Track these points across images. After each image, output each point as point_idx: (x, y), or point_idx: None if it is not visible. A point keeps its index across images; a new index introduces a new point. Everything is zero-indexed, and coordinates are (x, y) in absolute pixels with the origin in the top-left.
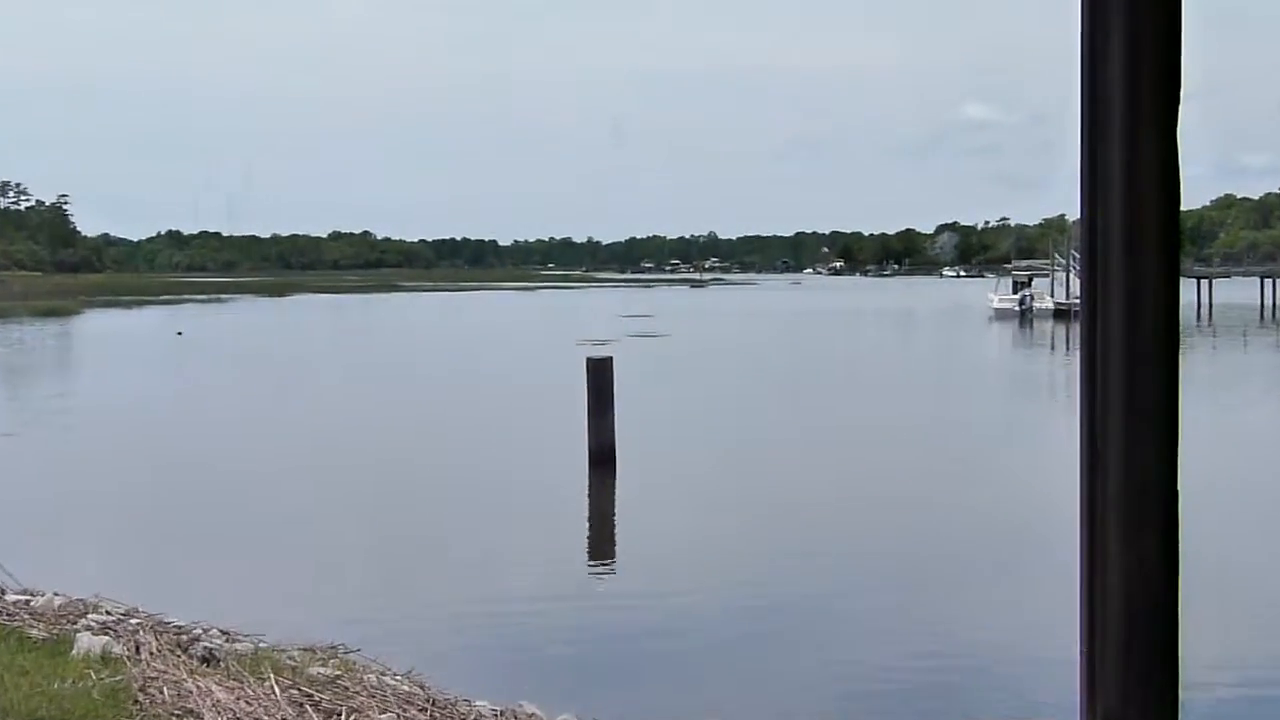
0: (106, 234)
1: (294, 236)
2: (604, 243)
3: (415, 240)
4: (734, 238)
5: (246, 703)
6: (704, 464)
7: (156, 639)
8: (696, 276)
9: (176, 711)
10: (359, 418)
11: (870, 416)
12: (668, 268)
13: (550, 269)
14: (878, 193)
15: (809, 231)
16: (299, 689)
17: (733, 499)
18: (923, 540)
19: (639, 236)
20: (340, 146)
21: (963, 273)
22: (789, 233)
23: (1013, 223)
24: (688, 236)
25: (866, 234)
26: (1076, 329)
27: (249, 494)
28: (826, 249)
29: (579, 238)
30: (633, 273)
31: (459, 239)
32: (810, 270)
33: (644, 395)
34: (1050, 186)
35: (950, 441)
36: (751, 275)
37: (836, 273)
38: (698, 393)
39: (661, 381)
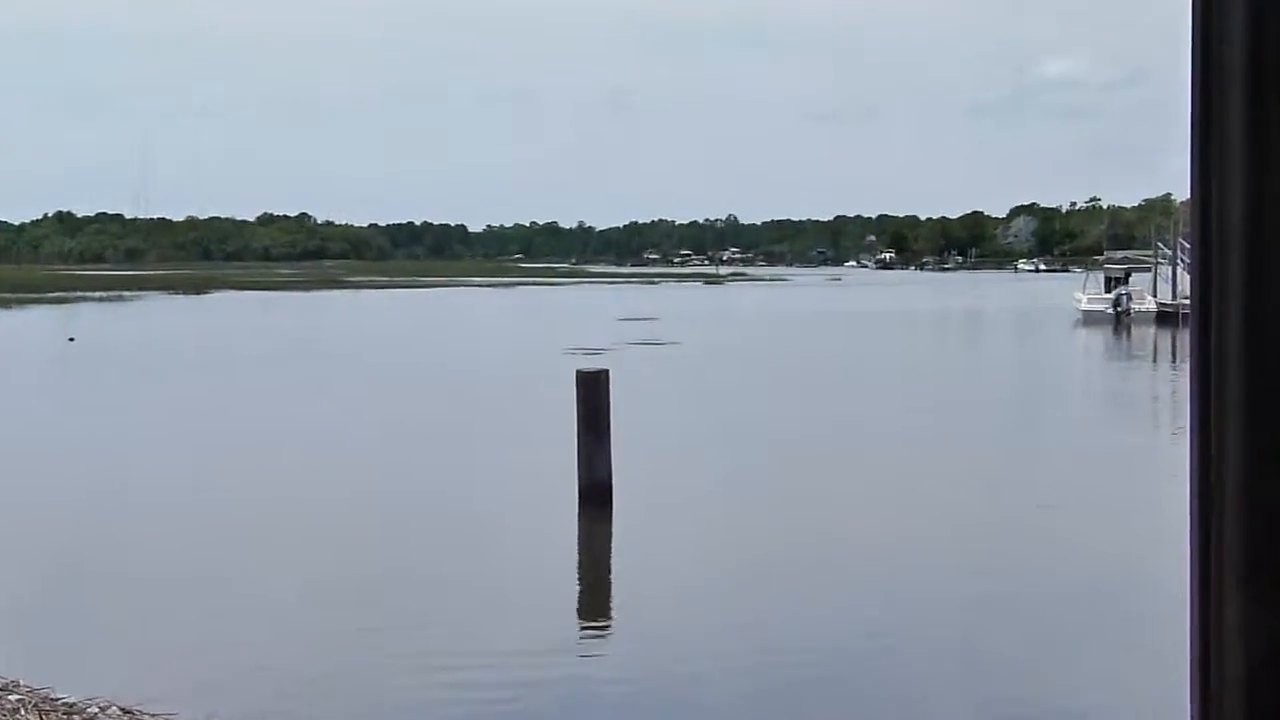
0: None
1: (215, 220)
2: (598, 229)
3: (364, 225)
4: (758, 223)
5: None
6: (718, 504)
7: None
8: (712, 270)
9: None
10: (295, 443)
11: (924, 451)
12: (676, 260)
13: (532, 260)
14: (937, 168)
15: (851, 215)
16: None
17: (755, 549)
18: (993, 604)
19: (641, 221)
20: (272, 111)
21: (1042, 266)
22: (827, 216)
23: (1105, 204)
24: (701, 221)
25: (923, 218)
26: (1186, 337)
27: (165, 535)
28: (873, 237)
29: (567, 222)
30: (633, 266)
31: (419, 223)
32: (853, 263)
33: (647, 417)
34: (1153, 160)
35: (1023, 482)
36: (780, 269)
37: (886, 266)
38: (712, 415)
39: (668, 401)
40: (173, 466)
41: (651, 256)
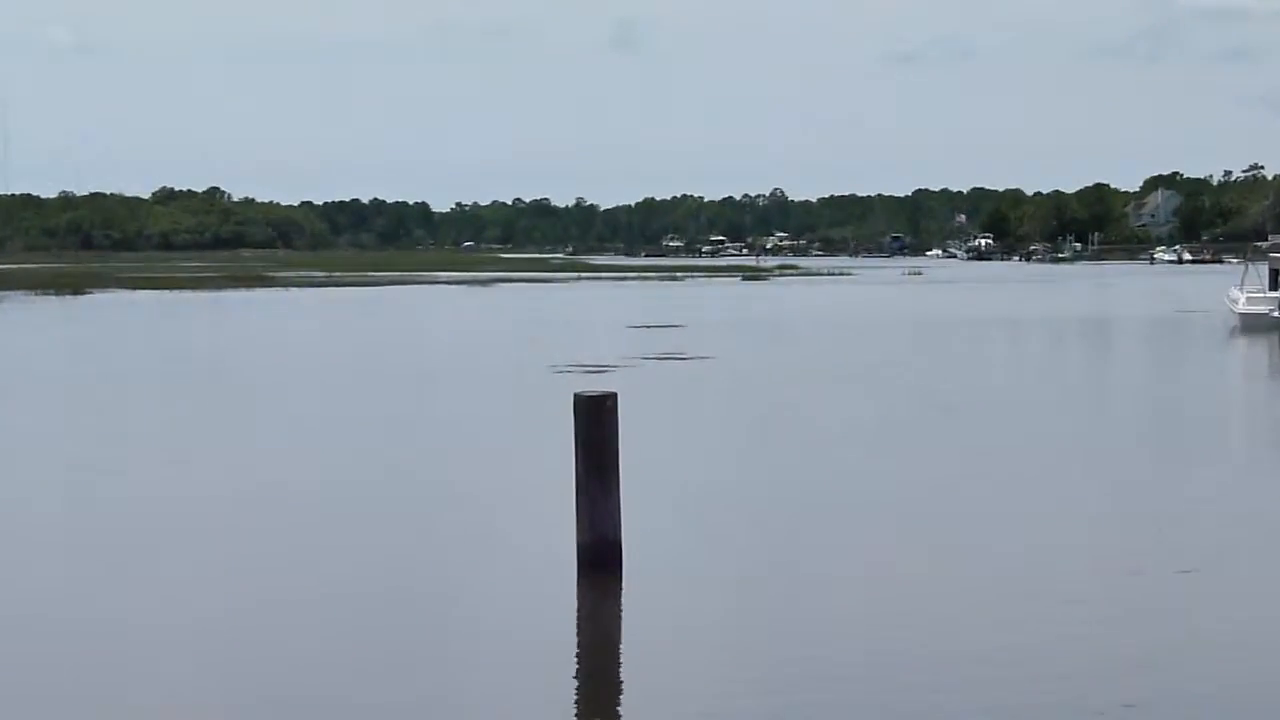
0: None
1: (98, 198)
2: (602, 207)
3: (295, 204)
4: (813, 200)
5: None
6: (760, 572)
7: None
8: (753, 261)
9: None
10: (221, 485)
11: (1027, 494)
12: (705, 248)
13: (516, 249)
14: (1050, 127)
15: (936, 190)
16: None
17: (806, 632)
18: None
19: (659, 198)
20: (171, 53)
21: (1186, 255)
22: (904, 191)
23: (1270, 174)
24: (739, 199)
25: (1030, 193)
26: None
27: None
28: (964, 217)
29: (561, 199)
30: (649, 256)
31: (366, 201)
32: (937, 252)
33: (666, 455)
34: None
35: (1163, 549)
36: (842, 261)
37: (981, 255)
38: (752, 454)
39: (694, 434)
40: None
41: (673, 244)
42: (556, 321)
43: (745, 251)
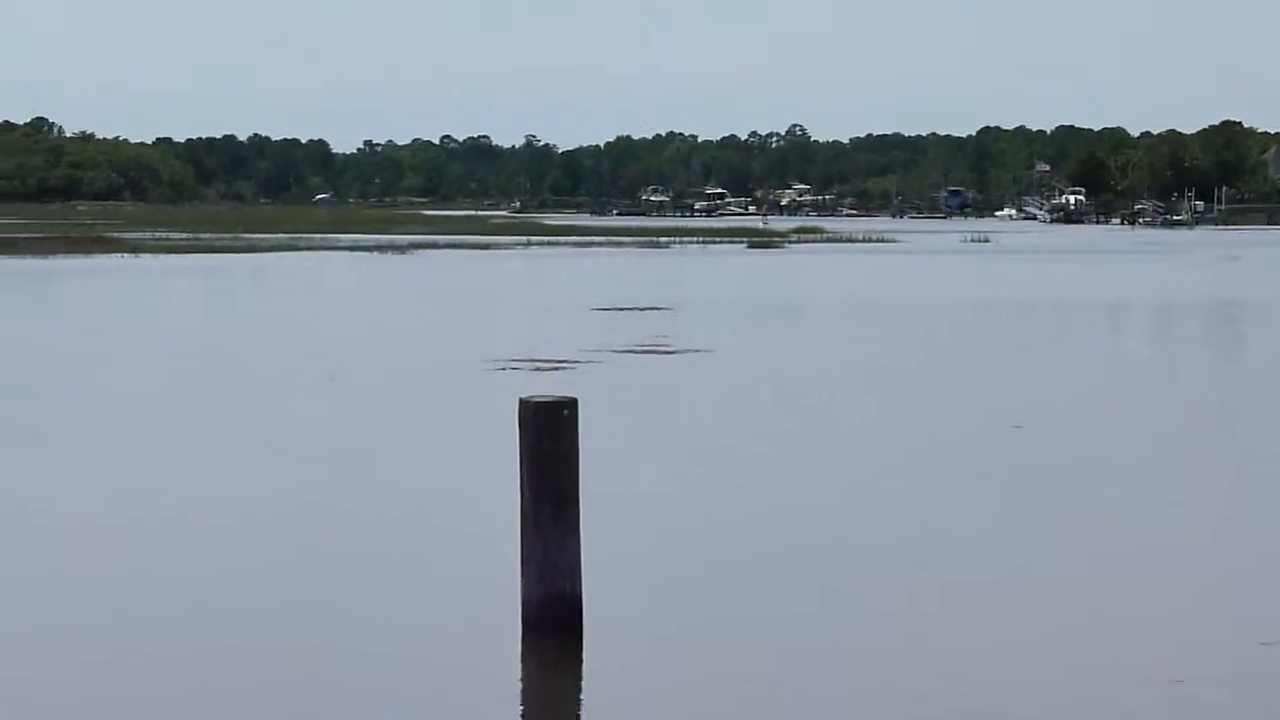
0: None
1: None
2: (560, 149)
3: (148, 142)
4: (844, 140)
5: None
6: (759, 638)
7: None
8: (760, 222)
9: None
10: (61, 527)
11: (1123, 541)
12: (700, 206)
13: (443, 203)
14: (1161, 47)
15: (1008, 128)
16: None
17: (827, 709)
18: None
19: (639, 137)
20: None
21: None
22: (966, 130)
23: None
24: (744, 138)
25: (1135, 134)
26: None
27: None
28: (1045, 165)
29: (505, 138)
30: (624, 214)
31: (244, 139)
32: (1011, 211)
33: (642, 481)
34: None
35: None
36: (883, 223)
37: (1068, 216)
38: (755, 479)
39: (678, 454)
40: None
41: (655, 199)
42: (498, 301)
43: (753, 210)
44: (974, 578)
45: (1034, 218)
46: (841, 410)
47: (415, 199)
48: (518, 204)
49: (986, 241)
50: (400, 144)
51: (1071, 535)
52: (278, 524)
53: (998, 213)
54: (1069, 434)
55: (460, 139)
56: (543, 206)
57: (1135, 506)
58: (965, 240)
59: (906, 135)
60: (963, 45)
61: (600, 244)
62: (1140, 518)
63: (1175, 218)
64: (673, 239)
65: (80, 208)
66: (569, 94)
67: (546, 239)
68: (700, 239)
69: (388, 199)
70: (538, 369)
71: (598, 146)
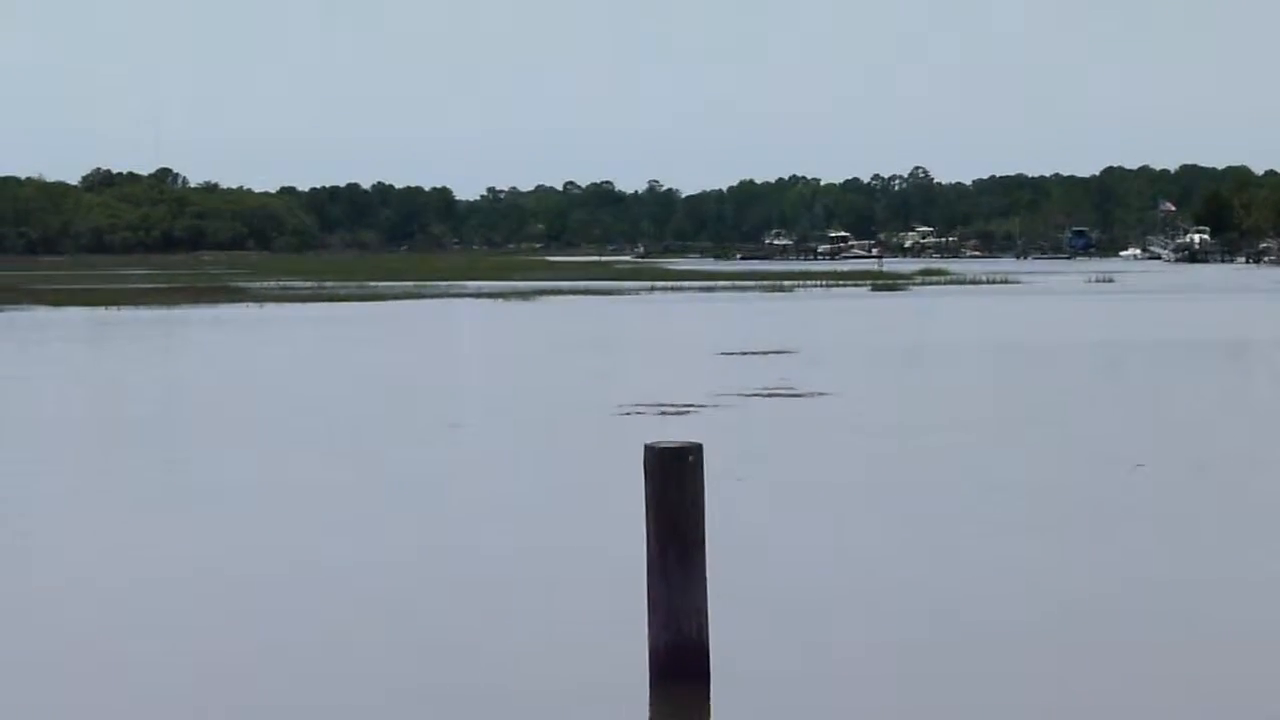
0: None
1: (8, 183)
2: (683, 193)
3: (273, 191)
4: (967, 183)
5: None
6: (890, 692)
7: None
8: (876, 265)
9: None
10: (181, 565)
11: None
12: (823, 249)
13: (567, 249)
14: None
15: (1132, 168)
16: None
17: None
18: None
19: (762, 181)
20: None
21: None
22: (1088, 170)
23: None
24: (866, 181)
25: (1260, 172)
26: None
27: None
28: (1170, 205)
29: (628, 183)
30: (747, 258)
31: (367, 187)
32: (1135, 251)
33: (768, 526)
34: None
35: None
36: (1007, 264)
37: (1193, 255)
38: (883, 523)
39: (805, 498)
40: None
41: (778, 243)
42: (623, 346)
43: (876, 252)
44: (1113, 636)
45: (1158, 257)
46: (966, 453)
47: (538, 245)
48: (641, 249)
49: (1111, 282)
50: (523, 190)
51: (1226, 587)
52: (410, 569)
53: (1122, 253)
54: (1202, 477)
55: (583, 185)
56: (666, 251)
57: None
58: (1089, 281)
59: (1029, 176)
60: (1084, 85)
61: (723, 288)
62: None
63: None
64: (796, 282)
65: (205, 258)
66: (692, 139)
67: (670, 284)
68: (823, 282)
69: (511, 245)
70: (663, 413)
71: (720, 191)
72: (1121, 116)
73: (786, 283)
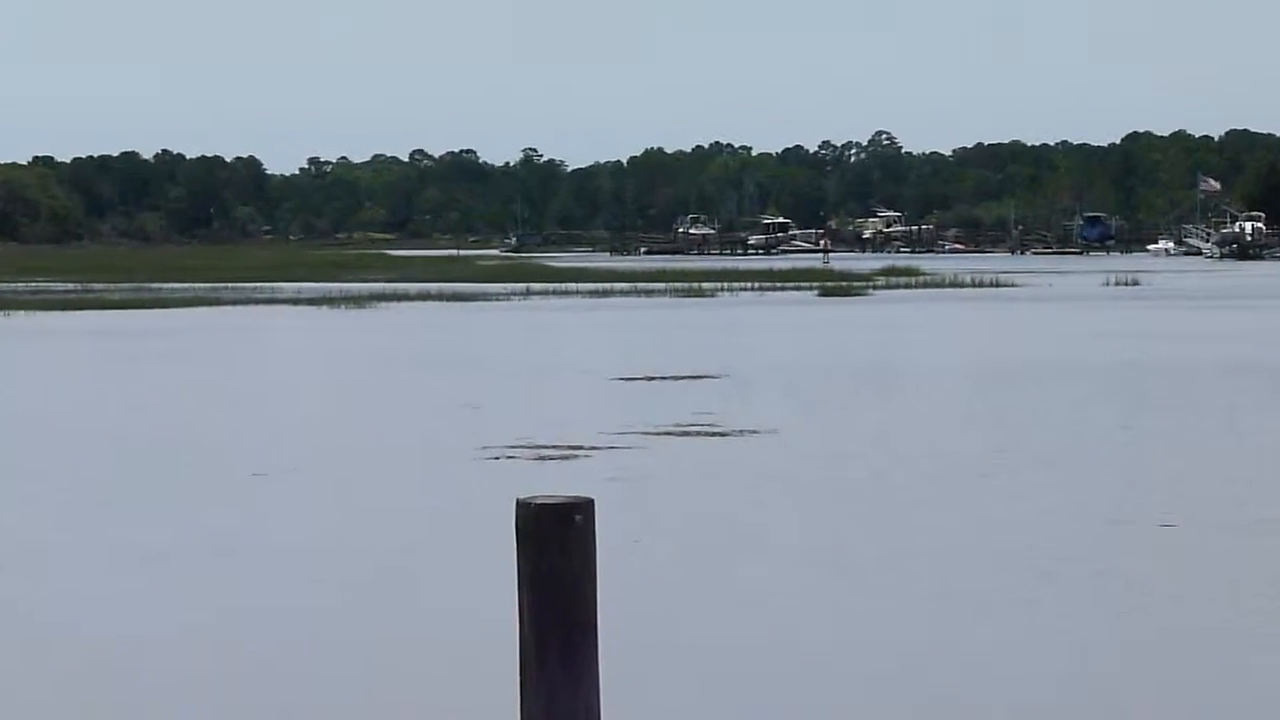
0: None
1: None
2: (569, 167)
3: (26, 163)
4: (946, 153)
5: None
6: None
7: None
8: (823, 263)
9: None
10: None
11: None
12: (755, 240)
13: (415, 240)
14: None
15: (1161, 134)
16: None
17: None
18: None
19: (671, 150)
20: None
21: None
22: (1106, 138)
23: None
24: (812, 150)
25: None
26: None
27: None
28: (1212, 184)
29: (498, 153)
30: (654, 252)
31: (148, 157)
32: (1166, 244)
33: (681, 606)
34: None
35: None
36: (998, 261)
37: (1244, 250)
38: (832, 603)
39: (730, 571)
40: None
41: (696, 233)
42: (489, 369)
43: (823, 244)
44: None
45: (1198, 252)
46: (935, 512)
47: (377, 235)
48: (514, 240)
49: (1136, 285)
50: (356, 162)
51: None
52: (207, 689)
53: (1150, 246)
54: (1246, 540)
55: (436, 155)
56: (546, 244)
57: None
58: (1107, 284)
59: (1028, 145)
60: (1101, 25)
61: (622, 292)
62: None
63: None
64: (719, 285)
65: None
66: (580, 93)
67: (552, 286)
68: (755, 285)
69: (341, 235)
70: (542, 458)
71: (619, 163)
72: (1150, 68)
73: (706, 285)
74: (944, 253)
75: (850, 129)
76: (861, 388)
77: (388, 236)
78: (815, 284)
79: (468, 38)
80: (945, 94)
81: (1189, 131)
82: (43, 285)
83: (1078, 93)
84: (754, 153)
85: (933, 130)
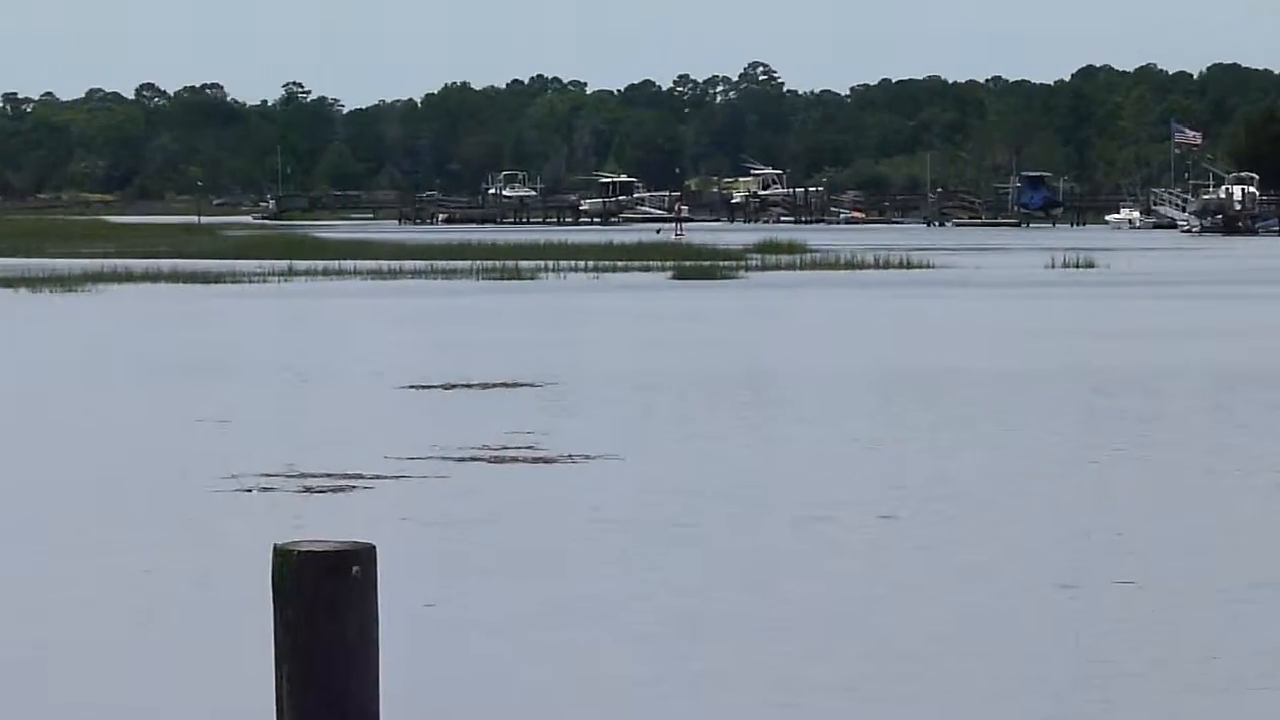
0: None
1: None
2: (348, 107)
3: None
4: (841, 91)
5: None
6: None
7: None
8: (671, 234)
9: None
10: None
11: None
12: (588, 205)
13: (142, 202)
14: None
15: (1122, 69)
16: None
17: None
18: None
19: (480, 86)
20: None
21: None
22: (1051, 74)
23: None
24: (665, 89)
25: None
26: None
27: None
28: (1190, 134)
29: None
30: (457, 219)
31: None
32: (1132, 213)
33: (486, 681)
34: None
35: None
36: (911, 234)
37: (1230, 222)
38: (679, 685)
39: (547, 639)
40: None
41: (513, 194)
42: (241, 373)
43: (678, 210)
44: None
45: (1173, 224)
46: (816, 569)
47: (93, 195)
48: (272, 204)
49: (1090, 268)
50: (65, 100)
51: None
52: None
53: (1110, 216)
54: (1237, 610)
55: (170, 91)
56: (316, 208)
57: None
58: (1053, 265)
59: (948, 81)
60: None
61: (416, 273)
62: None
63: None
64: (542, 265)
65: None
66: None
67: (322, 265)
68: (590, 265)
69: (45, 195)
70: (308, 490)
71: (410, 103)
72: None
73: (525, 265)
74: (839, 223)
75: (716, 60)
76: (726, 402)
77: (107, 198)
78: (668, 264)
79: None
80: (840, 14)
81: (1159, 66)
82: None
83: (1015, 13)
84: (588, 90)
85: (823, 63)
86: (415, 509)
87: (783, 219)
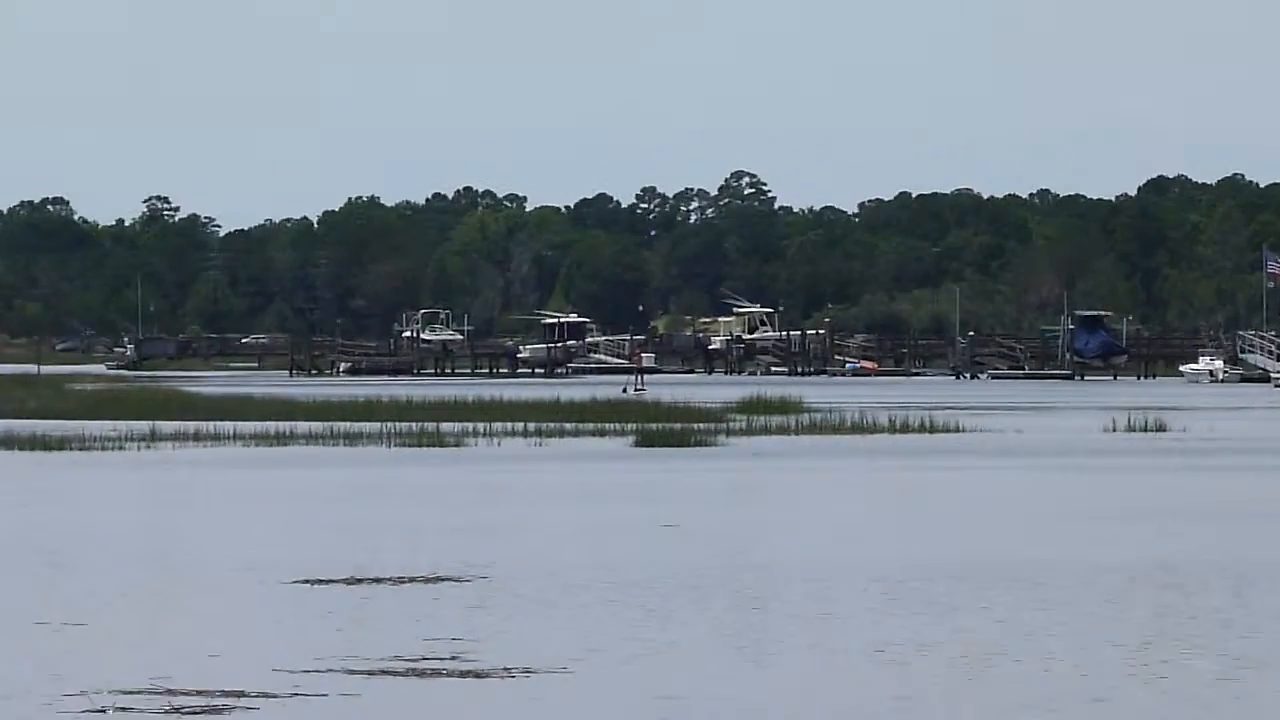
0: None
1: None
2: (225, 230)
3: None
4: (848, 210)
5: None
6: None
7: None
8: (633, 389)
9: None
10: None
11: None
12: (528, 352)
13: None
14: None
15: (1199, 181)
16: None
17: None
18: None
19: (394, 203)
20: None
21: None
22: (1112, 189)
23: None
24: (625, 205)
25: None
26: None
27: None
28: None
29: (101, 210)
30: (362, 370)
31: None
32: (1213, 362)
33: None
34: None
35: None
36: (934, 387)
37: None
38: None
39: None
40: None
41: (432, 338)
42: (94, 564)
43: (636, 357)
44: None
45: (1264, 376)
46: None
47: None
48: (131, 349)
49: (1161, 431)
50: None
51: None
52: None
53: (1186, 367)
54: None
55: (5, 208)
56: (186, 354)
57: None
58: (1113, 429)
59: (982, 196)
60: (1098, 29)
61: (312, 438)
62: None
63: None
64: (471, 427)
65: None
66: (241, 113)
67: (194, 427)
68: (532, 429)
69: None
70: (176, 710)
71: (305, 222)
72: (1178, 78)
73: (449, 429)
74: (844, 375)
75: (691, 170)
76: (696, 604)
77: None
78: (629, 426)
79: (74, 34)
80: (844, 112)
81: (1247, 177)
82: None
83: (1064, 112)
84: (529, 206)
85: (824, 174)
86: None
87: (774, 369)
